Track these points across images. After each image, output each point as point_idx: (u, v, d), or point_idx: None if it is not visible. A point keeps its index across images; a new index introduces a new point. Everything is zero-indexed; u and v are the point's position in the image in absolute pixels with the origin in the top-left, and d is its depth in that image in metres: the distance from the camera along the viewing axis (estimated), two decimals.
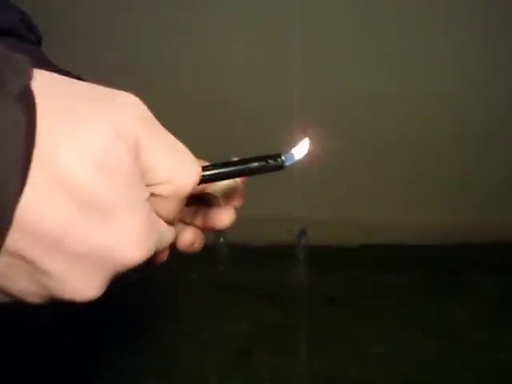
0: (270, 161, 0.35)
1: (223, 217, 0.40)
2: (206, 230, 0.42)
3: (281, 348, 1.62)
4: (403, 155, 2.20)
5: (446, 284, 2.01)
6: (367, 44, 2.06)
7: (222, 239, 2.16)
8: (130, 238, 0.28)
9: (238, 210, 0.42)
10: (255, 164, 0.35)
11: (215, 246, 2.15)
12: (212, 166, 0.35)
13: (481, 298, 1.91)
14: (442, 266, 2.11)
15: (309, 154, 0.38)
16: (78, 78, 0.45)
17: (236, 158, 0.37)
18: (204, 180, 0.33)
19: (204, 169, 0.34)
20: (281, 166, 0.36)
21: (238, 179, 0.40)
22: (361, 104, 2.11)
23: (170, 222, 0.33)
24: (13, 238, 0.26)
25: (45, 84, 0.27)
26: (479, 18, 2.03)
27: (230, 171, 0.35)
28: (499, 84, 2.12)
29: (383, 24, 2.04)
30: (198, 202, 0.43)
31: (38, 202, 0.25)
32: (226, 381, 1.50)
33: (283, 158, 0.36)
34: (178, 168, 0.30)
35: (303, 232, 2.21)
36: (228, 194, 0.42)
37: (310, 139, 0.38)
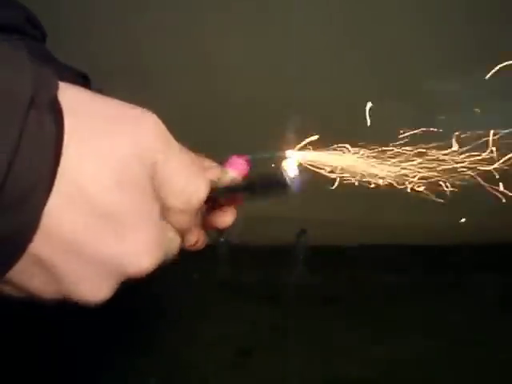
0: (274, 188, 0.40)
1: (226, 217, 0.42)
2: (208, 229, 0.44)
3: (281, 348, 1.62)
4: None
5: (446, 284, 2.01)
6: (367, 44, 2.06)
7: (222, 239, 2.16)
8: (142, 249, 0.30)
9: (237, 209, 0.43)
10: (259, 189, 0.39)
11: (215, 245, 2.15)
12: (221, 188, 0.39)
13: (481, 298, 1.91)
14: (441, 266, 2.11)
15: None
16: (83, 74, 0.46)
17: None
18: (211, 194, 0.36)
19: (212, 185, 0.36)
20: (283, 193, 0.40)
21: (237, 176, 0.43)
22: (360, 104, 2.10)
23: (182, 233, 0.36)
24: (34, 239, 0.27)
25: (71, 99, 0.28)
26: (482, 18, 2.03)
27: (235, 190, 0.39)
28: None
29: (383, 24, 2.03)
30: None
31: (60, 208, 0.27)
32: (226, 381, 1.50)
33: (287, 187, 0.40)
34: (191, 183, 0.33)
35: (303, 232, 2.20)
36: (229, 195, 0.43)
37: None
